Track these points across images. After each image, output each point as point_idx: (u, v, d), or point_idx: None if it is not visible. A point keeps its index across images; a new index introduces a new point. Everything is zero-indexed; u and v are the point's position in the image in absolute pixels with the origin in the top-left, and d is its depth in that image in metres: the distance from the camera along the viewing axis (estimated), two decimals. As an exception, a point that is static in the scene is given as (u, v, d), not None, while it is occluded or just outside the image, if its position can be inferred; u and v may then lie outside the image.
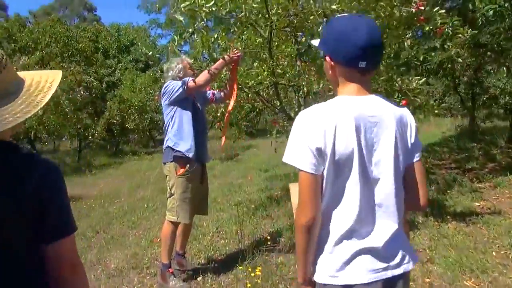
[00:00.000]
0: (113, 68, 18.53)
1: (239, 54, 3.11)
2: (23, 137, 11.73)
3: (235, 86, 3.27)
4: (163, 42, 23.83)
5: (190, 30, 3.07)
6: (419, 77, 3.67)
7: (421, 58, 4.61)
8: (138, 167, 10.68)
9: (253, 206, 5.21)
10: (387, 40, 3.80)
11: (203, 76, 2.98)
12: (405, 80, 3.80)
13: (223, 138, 3.49)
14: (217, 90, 3.56)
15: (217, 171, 8.85)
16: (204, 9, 2.87)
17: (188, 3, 2.74)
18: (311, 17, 3.48)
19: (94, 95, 14.09)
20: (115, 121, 14.21)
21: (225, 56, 3.07)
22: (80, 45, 14.53)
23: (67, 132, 12.41)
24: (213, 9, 3.06)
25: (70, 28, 15.71)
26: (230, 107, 3.31)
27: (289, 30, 5.06)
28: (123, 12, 73.14)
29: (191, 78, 3.05)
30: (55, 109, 11.06)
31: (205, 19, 2.95)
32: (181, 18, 2.66)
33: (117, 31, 21.93)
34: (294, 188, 2.56)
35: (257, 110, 5.95)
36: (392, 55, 4.43)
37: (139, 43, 19.38)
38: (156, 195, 6.60)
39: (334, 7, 3.04)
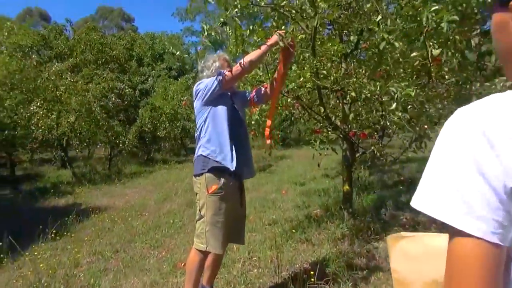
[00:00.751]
0: (147, 76, 18.52)
1: (291, 42, 2.56)
2: (56, 144, 11.69)
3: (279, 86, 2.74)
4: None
5: (222, 19, 2.54)
6: (504, 78, 2.97)
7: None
8: (167, 177, 10.31)
9: (289, 226, 4.60)
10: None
11: (237, 68, 2.47)
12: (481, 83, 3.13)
13: (268, 141, 2.93)
14: (259, 87, 3.00)
15: (249, 183, 8.28)
16: (238, -8, 2.35)
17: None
18: (368, 5, 2.87)
19: (126, 102, 13.98)
20: (146, 129, 14.02)
21: (273, 39, 2.52)
22: (114, 52, 14.54)
23: (98, 139, 12.30)
24: (249, -8, 2.55)
25: (104, 36, 15.79)
26: (272, 105, 2.79)
27: (333, 27, 4.51)
28: (159, 22, 74.86)
29: (227, 70, 2.56)
30: (87, 116, 10.96)
31: (239, 6, 2.42)
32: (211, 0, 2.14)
33: (151, 39, 22.05)
34: (396, 249, 1.28)
35: (292, 118, 5.38)
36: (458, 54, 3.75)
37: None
38: (183, 210, 6.12)
39: (399, -11, 2.43)
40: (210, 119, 2.55)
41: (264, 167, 10.95)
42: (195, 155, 2.62)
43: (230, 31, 3.05)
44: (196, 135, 2.64)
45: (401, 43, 2.64)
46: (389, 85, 2.61)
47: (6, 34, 11.19)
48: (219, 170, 2.47)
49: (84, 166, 13.51)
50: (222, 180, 2.47)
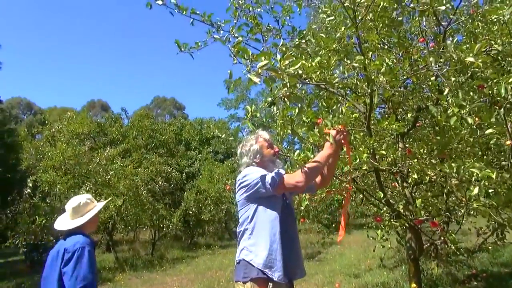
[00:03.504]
0: (194, 159, 18.93)
1: (343, 129, 2.28)
2: (103, 227, 11.73)
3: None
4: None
5: (269, 99, 2.35)
6: None
7: None
8: (210, 264, 9.78)
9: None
10: None
11: (302, 175, 2.11)
12: None
13: (342, 232, 2.52)
14: None
15: (297, 273, 7.60)
16: (287, 70, 2.17)
17: (267, 62, 2.04)
18: (430, 80, 2.60)
19: (172, 185, 14.10)
20: (191, 212, 13.87)
21: (331, 138, 2.24)
22: (164, 137, 15.12)
23: (143, 223, 12.23)
24: (300, 72, 2.37)
25: (156, 122, 16.63)
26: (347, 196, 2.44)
27: (387, 106, 4.25)
28: (208, 109, 79.67)
29: (284, 173, 2.22)
30: (134, 199, 11.04)
31: (288, 84, 2.22)
32: (257, 80, 1.95)
33: (199, 124, 22.99)
34: None
35: (343, 201, 4.95)
36: None
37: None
38: (226, 304, 5.56)
39: (470, 59, 2.15)
40: (258, 219, 2.19)
41: (312, 254, 10.17)
42: (236, 257, 2.25)
43: (278, 111, 2.86)
44: (238, 231, 2.29)
45: (476, 119, 2.30)
46: (469, 166, 2.20)
47: (66, 123, 12.02)
48: (264, 280, 2.08)
49: (127, 250, 13.34)
50: (271, 285, 2.07)
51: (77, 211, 2.52)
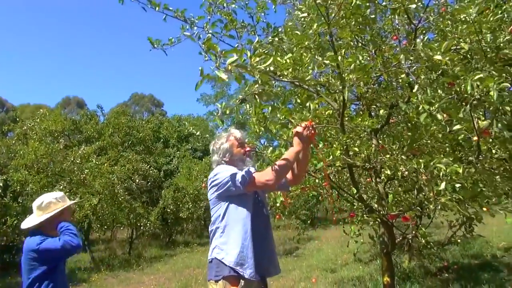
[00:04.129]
0: (172, 157, 18.73)
1: (311, 125, 2.27)
2: (78, 227, 11.48)
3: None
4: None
5: (240, 96, 2.34)
6: None
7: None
8: (188, 262, 9.72)
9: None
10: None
11: (273, 173, 2.12)
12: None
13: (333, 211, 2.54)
14: None
15: (275, 269, 7.63)
16: (258, 67, 2.15)
17: (236, 57, 2.02)
18: (402, 76, 2.64)
19: (150, 183, 13.92)
20: (169, 210, 13.73)
21: (297, 140, 2.25)
22: (141, 134, 14.88)
23: (120, 222, 12.04)
24: (271, 68, 2.37)
25: (132, 119, 16.34)
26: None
27: (361, 103, 4.31)
28: (187, 106, 79.00)
29: (254, 171, 2.22)
30: (110, 198, 10.84)
31: (260, 81, 2.20)
32: (225, 77, 1.93)
33: (178, 122, 22.76)
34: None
35: (320, 197, 5.00)
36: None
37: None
38: (203, 302, 5.54)
39: (438, 57, 2.19)
40: (229, 217, 2.19)
41: (290, 250, 10.24)
42: (209, 256, 2.24)
43: (250, 109, 2.85)
44: (210, 229, 2.28)
45: (444, 115, 2.35)
46: (435, 161, 2.26)
47: (38, 120, 11.68)
48: (235, 278, 2.08)
49: (104, 250, 13.11)
50: (242, 282, 2.07)
51: (40, 210, 2.45)
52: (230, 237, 2.15)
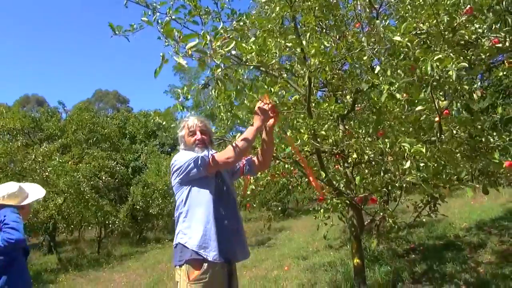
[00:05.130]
0: (139, 153, 18.38)
1: (272, 106, 2.26)
2: (43, 228, 11.05)
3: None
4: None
5: (203, 81, 2.28)
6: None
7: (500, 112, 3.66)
8: (160, 258, 9.59)
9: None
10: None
11: (231, 151, 2.12)
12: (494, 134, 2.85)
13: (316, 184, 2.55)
14: (249, 156, 2.63)
15: (248, 260, 7.63)
16: (219, 51, 2.11)
17: (196, 42, 1.97)
18: (364, 58, 2.67)
19: (117, 180, 13.59)
20: (138, 207, 13.46)
21: (257, 116, 2.23)
22: (106, 130, 14.48)
23: (87, 221, 11.70)
24: (233, 52, 2.33)
25: (96, 115, 15.87)
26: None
27: (327, 89, 4.35)
28: (153, 101, 77.26)
29: (211, 154, 2.20)
30: (76, 196, 10.50)
31: (222, 65, 2.16)
32: (184, 62, 1.88)
33: (144, 117, 22.32)
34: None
35: (290, 186, 5.03)
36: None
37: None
38: (175, 296, 5.47)
39: (398, 38, 2.23)
40: (191, 202, 2.16)
41: (263, 241, 10.30)
42: (174, 242, 2.20)
43: (214, 93, 2.81)
44: (175, 216, 2.25)
45: (404, 95, 2.40)
46: (400, 140, 2.30)
47: (-6, 118, 11.13)
48: (199, 261, 2.05)
49: (72, 250, 12.72)
50: (205, 265, 2.04)
51: None
52: (192, 221, 2.12)
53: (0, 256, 2.09)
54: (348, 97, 3.96)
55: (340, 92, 4.31)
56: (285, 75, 3.72)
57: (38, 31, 78.89)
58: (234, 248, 2.19)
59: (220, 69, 2.19)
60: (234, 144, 2.12)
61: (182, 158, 2.21)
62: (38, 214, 9.90)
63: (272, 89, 2.52)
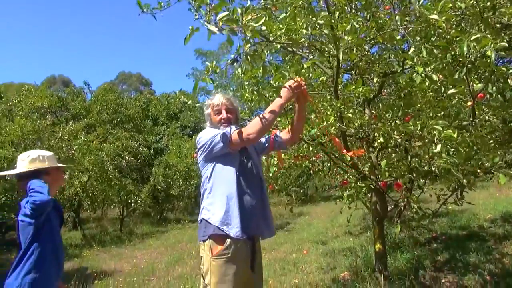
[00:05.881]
0: (161, 135, 18.61)
1: (303, 84, 2.22)
2: (69, 205, 11.39)
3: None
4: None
5: (232, 56, 2.25)
6: None
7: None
8: (180, 238, 9.77)
9: (315, 293, 4.03)
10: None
11: (254, 126, 2.11)
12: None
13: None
14: (277, 130, 2.61)
15: (266, 243, 7.69)
16: (250, 24, 2.07)
17: (226, 13, 1.93)
18: (397, 38, 2.58)
19: (140, 161, 13.82)
20: (160, 187, 13.71)
21: (285, 89, 2.20)
22: (130, 112, 14.69)
23: (110, 199, 12.00)
24: (263, 28, 2.29)
25: (120, 96, 16.09)
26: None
27: (354, 72, 4.25)
28: (176, 83, 77.84)
29: (235, 129, 2.19)
30: (100, 175, 10.75)
31: (252, 41, 2.12)
32: (215, 29, 1.86)
33: (167, 99, 22.51)
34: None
35: (311, 171, 4.98)
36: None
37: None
38: (195, 275, 5.57)
39: (434, 16, 2.13)
40: (215, 178, 2.17)
41: (281, 225, 10.35)
42: (198, 218, 2.23)
43: (241, 73, 2.77)
44: (201, 192, 2.26)
45: (440, 76, 2.31)
46: (432, 122, 2.23)
47: (23, 97, 11.40)
48: (221, 237, 2.07)
49: (95, 228, 13.11)
50: (228, 241, 2.05)
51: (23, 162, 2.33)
52: (216, 197, 2.13)
53: (29, 222, 2.13)
54: (375, 79, 3.86)
55: (367, 76, 4.21)
56: (312, 56, 3.66)
57: (63, 14, 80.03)
58: (258, 225, 2.19)
59: (249, 44, 2.16)
60: (261, 115, 2.11)
61: (206, 135, 2.22)
62: (64, 191, 10.20)
63: (305, 65, 2.48)
